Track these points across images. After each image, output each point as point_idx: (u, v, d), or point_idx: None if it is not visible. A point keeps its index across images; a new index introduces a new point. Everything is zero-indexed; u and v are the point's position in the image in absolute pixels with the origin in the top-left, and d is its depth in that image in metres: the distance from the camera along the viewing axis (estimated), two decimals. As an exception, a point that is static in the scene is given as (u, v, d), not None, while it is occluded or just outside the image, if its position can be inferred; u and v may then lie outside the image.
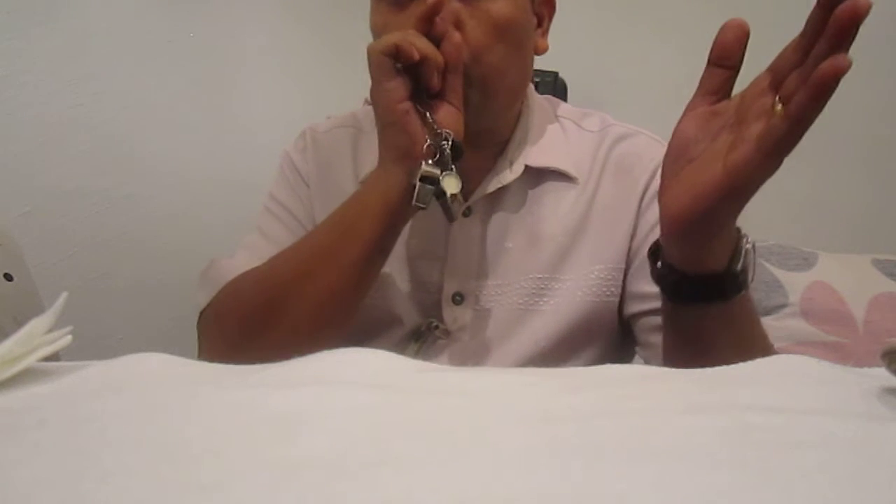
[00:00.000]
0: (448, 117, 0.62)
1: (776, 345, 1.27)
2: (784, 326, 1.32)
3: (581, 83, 1.32)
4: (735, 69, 0.51)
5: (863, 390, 0.36)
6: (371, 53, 0.60)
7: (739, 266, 0.54)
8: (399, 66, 0.60)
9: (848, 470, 0.27)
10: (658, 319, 0.68)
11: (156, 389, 0.37)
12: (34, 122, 1.38)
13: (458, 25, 0.64)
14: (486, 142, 0.72)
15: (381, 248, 0.64)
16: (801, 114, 0.44)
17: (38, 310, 0.81)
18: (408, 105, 0.61)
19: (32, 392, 0.37)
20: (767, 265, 1.38)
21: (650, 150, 0.75)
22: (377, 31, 0.68)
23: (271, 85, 1.58)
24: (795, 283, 1.35)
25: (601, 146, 0.76)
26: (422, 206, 0.60)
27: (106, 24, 1.43)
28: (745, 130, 0.48)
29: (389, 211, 0.62)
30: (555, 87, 1.27)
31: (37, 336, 0.39)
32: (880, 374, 0.37)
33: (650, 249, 0.60)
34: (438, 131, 0.61)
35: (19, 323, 0.40)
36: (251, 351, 0.43)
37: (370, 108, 0.83)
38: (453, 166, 0.61)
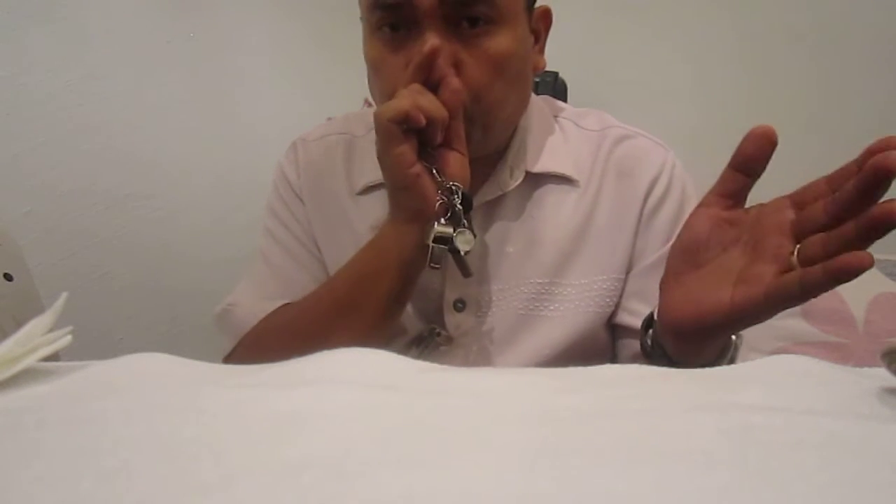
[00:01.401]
0: (455, 166, 0.62)
1: (776, 344, 1.28)
2: (784, 326, 1.31)
3: (581, 83, 1.32)
4: (755, 177, 0.50)
5: (863, 390, 0.36)
6: (379, 121, 0.59)
7: (726, 361, 0.57)
8: (405, 128, 0.60)
9: (848, 470, 0.27)
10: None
11: (156, 389, 0.37)
12: (34, 122, 1.38)
13: (457, 66, 0.62)
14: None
15: (399, 301, 0.66)
16: (814, 289, 0.44)
17: (38, 310, 0.81)
18: (418, 168, 0.61)
19: (32, 392, 0.37)
20: (767, 265, 1.38)
21: (651, 153, 0.75)
22: (372, 65, 0.67)
23: (271, 85, 1.58)
24: (795, 283, 1.35)
25: (602, 147, 0.75)
26: (436, 266, 0.61)
27: (106, 24, 1.43)
28: (758, 265, 0.47)
29: (405, 268, 0.64)
30: (555, 87, 1.26)
31: (37, 336, 0.39)
32: (880, 374, 0.37)
33: (644, 321, 0.61)
34: (448, 186, 0.61)
35: (19, 323, 0.40)
36: None
37: (367, 110, 0.82)
38: (465, 221, 0.61)
